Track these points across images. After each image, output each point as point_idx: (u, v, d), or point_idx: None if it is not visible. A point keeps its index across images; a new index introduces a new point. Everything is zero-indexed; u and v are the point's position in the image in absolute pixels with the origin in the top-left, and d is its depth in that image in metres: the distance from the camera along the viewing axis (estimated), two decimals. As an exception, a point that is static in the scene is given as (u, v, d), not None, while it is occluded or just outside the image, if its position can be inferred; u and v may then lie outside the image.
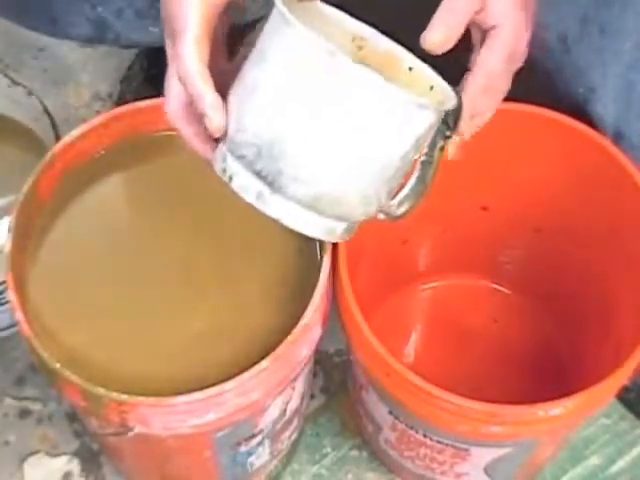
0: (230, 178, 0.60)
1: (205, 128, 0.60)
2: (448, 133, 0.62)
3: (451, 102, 0.59)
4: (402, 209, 0.65)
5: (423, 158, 0.63)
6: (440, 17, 0.59)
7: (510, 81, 0.64)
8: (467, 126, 0.63)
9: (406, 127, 0.56)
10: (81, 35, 0.89)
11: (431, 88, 0.61)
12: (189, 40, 0.59)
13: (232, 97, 0.59)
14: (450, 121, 0.61)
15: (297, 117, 0.56)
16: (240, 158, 0.59)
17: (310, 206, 0.59)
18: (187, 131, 0.63)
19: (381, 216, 0.64)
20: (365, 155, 0.57)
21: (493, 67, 0.62)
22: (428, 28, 0.59)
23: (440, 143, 0.62)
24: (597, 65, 0.74)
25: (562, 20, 0.75)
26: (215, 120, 0.59)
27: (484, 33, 0.62)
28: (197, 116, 0.61)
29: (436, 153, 0.63)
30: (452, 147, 0.65)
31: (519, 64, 0.64)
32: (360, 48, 0.63)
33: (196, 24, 0.59)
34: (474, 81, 0.62)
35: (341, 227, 0.62)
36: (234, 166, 0.60)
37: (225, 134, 0.59)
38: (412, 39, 0.61)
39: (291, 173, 0.57)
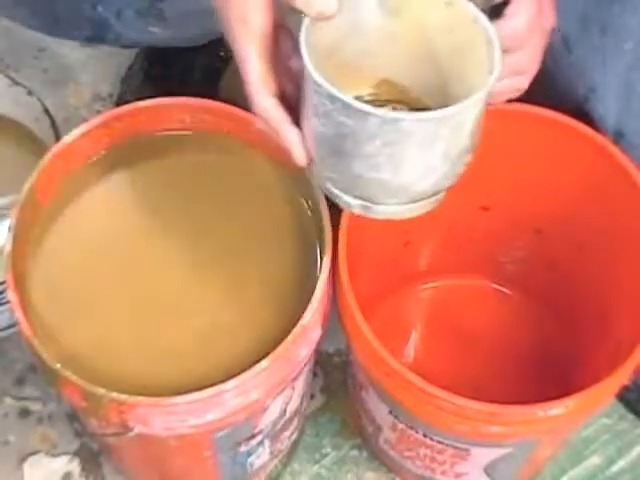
0: (335, 197, 0.64)
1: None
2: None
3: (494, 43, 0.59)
4: None
5: None
6: None
7: (542, 48, 0.64)
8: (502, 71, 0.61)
9: (463, 129, 0.59)
10: (82, 35, 0.89)
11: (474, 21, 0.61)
12: (255, 81, 0.61)
13: (305, 134, 0.61)
14: None
15: (367, 162, 0.59)
16: (336, 186, 0.63)
17: (411, 203, 0.63)
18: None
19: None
20: (436, 164, 0.60)
21: (528, 17, 0.61)
22: None
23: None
24: (597, 65, 0.74)
25: (562, 19, 0.75)
26: (298, 155, 0.62)
27: None
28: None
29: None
30: None
31: (548, 26, 0.64)
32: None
33: (257, 59, 0.61)
34: (512, 18, 0.61)
35: (440, 196, 0.64)
36: (334, 190, 0.64)
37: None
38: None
39: (381, 196, 0.62)
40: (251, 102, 0.62)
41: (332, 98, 0.56)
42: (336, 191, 0.64)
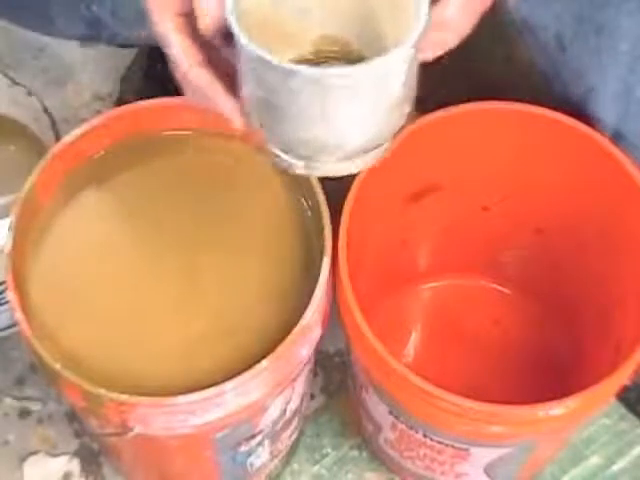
0: (280, 160, 0.63)
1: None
2: None
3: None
4: None
5: None
6: None
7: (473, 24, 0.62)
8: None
9: (389, 82, 0.57)
10: (77, 34, 0.89)
11: None
12: (177, 53, 0.60)
13: (244, 99, 0.61)
14: None
15: (298, 120, 0.58)
16: (278, 147, 0.62)
17: (348, 160, 0.62)
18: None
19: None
20: (370, 119, 0.59)
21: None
22: None
23: None
24: (594, 66, 0.74)
25: (558, 20, 0.75)
26: (237, 123, 0.61)
27: None
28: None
29: None
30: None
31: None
32: None
33: (175, 33, 0.60)
34: None
35: (379, 151, 0.63)
36: (278, 152, 0.62)
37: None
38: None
39: (320, 153, 0.60)
40: (179, 79, 0.61)
41: (256, 58, 0.56)
42: (279, 152, 0.62)
